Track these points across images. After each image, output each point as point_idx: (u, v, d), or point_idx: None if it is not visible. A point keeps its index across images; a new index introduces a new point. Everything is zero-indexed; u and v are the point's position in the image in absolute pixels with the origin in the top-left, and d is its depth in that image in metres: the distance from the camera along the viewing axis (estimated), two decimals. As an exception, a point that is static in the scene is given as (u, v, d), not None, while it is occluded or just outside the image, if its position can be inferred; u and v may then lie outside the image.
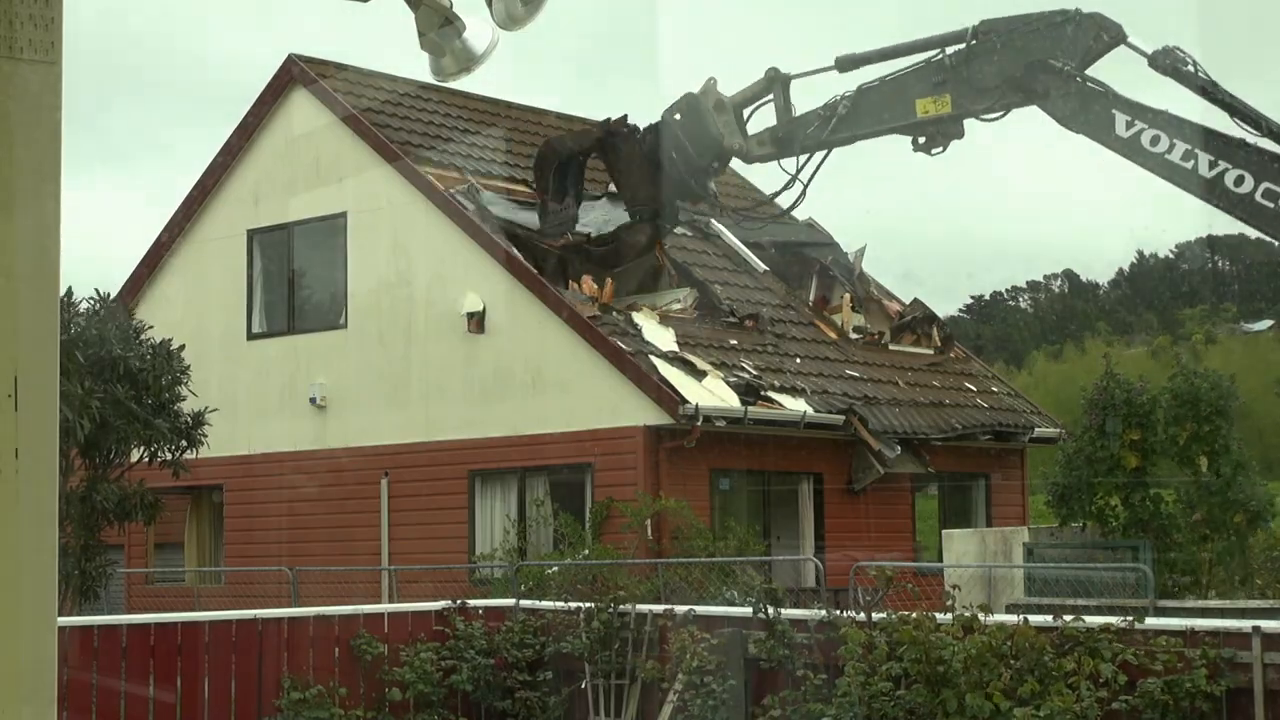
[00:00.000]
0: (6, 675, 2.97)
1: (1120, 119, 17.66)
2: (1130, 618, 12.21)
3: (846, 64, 19.54)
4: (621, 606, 15.25)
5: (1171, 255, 73.51)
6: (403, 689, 14.88)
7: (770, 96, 20.16)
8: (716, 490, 21.73)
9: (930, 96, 18.94)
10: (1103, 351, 23.67)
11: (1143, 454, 19.21)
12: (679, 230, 25.68)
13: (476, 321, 22.35)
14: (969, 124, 19.26)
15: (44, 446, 3.04)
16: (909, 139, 19.59)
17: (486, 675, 15.34)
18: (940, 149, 19.47)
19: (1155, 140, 17.35)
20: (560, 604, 15.93)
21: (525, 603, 16.36)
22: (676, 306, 23.28)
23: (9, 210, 3.04)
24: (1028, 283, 78.52)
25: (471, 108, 26.38)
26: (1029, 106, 18.59)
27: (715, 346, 22.57)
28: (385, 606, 17.61)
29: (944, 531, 21.96)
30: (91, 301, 17.92)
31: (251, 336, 25.13)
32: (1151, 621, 12.41)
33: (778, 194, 20.79)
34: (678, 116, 20.50)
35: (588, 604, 15.43)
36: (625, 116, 21.54)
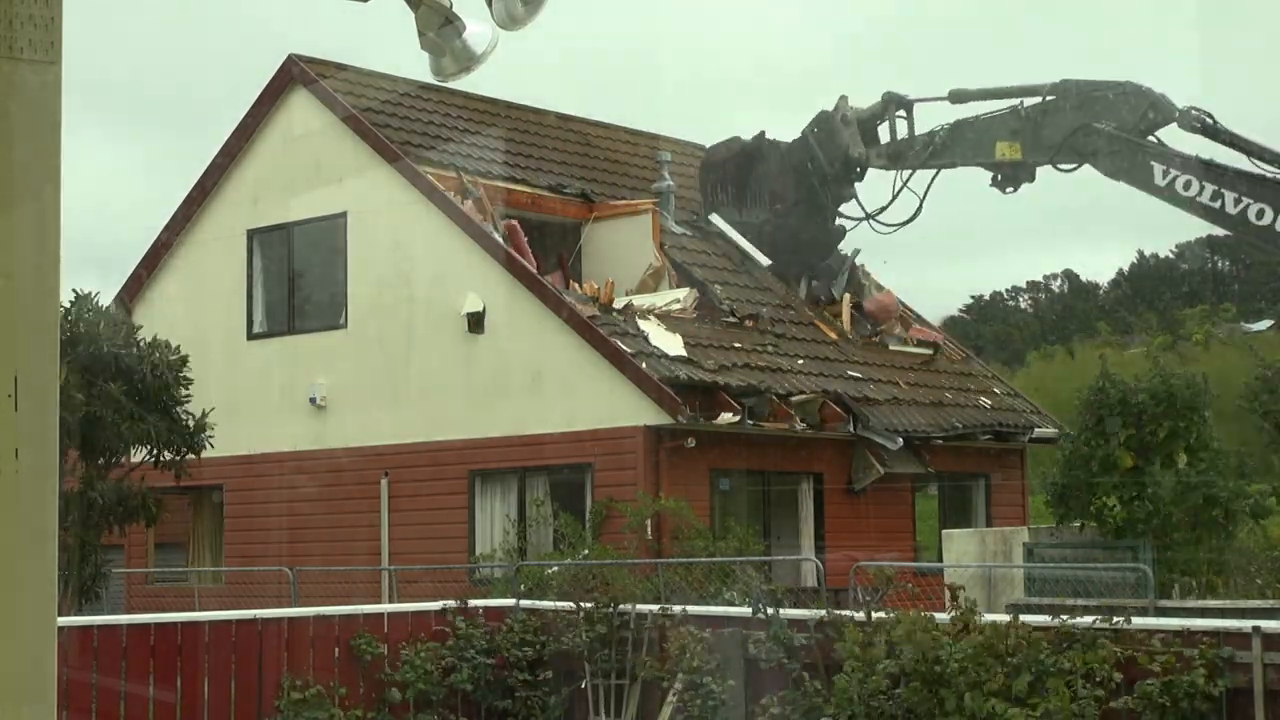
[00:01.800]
0: (6, 675, 2.97)
1: (1157, 169, 20.43)
2: (1121, 617, 12.18)
3: (958, 97, 22.83)
4: (621, 606, 15.26)
5: (1172, 255, 73.46)
6: (403, 689, 14.88)
7: (886, 116, 23.82)
8: (716, 490, 21.72)
9: (1007, 142, 21.91)
10: (1099, 352, 24.05)
11: (1136, 453, 19.27)
12: (679, 230, 25.69)
13: (476, 321, 22.34)
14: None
15: (44, 446, 3.04)
16: (989, 175, 22.43)
17: (487, 675, 15.35)
18: (1012, 189, 22.34)
19: (1187, 185, 20.14)
20: (560, 604, 15.93)
21: (525, 603, 16.37)
22: (676, 306, 23.26)
23: (9, 210, 3.04)
24: (1028, 283, 78.39)
25: (471, 108, 26.36)
26: (1083, 165, 21.43)
27: (716, 346, 22.55)
28: (385, 606, 17.60)
29: (944, 531, 21.96)
30: (83, 300, 17.89)
31: (251, 336, 25.11)
32: (1150, 621, 12.40)
33: (888, 205, 24.05)
34: (815, 130, 24.33)
35: (588, 604, 15.43)
36: (764, 132, 25.13)
